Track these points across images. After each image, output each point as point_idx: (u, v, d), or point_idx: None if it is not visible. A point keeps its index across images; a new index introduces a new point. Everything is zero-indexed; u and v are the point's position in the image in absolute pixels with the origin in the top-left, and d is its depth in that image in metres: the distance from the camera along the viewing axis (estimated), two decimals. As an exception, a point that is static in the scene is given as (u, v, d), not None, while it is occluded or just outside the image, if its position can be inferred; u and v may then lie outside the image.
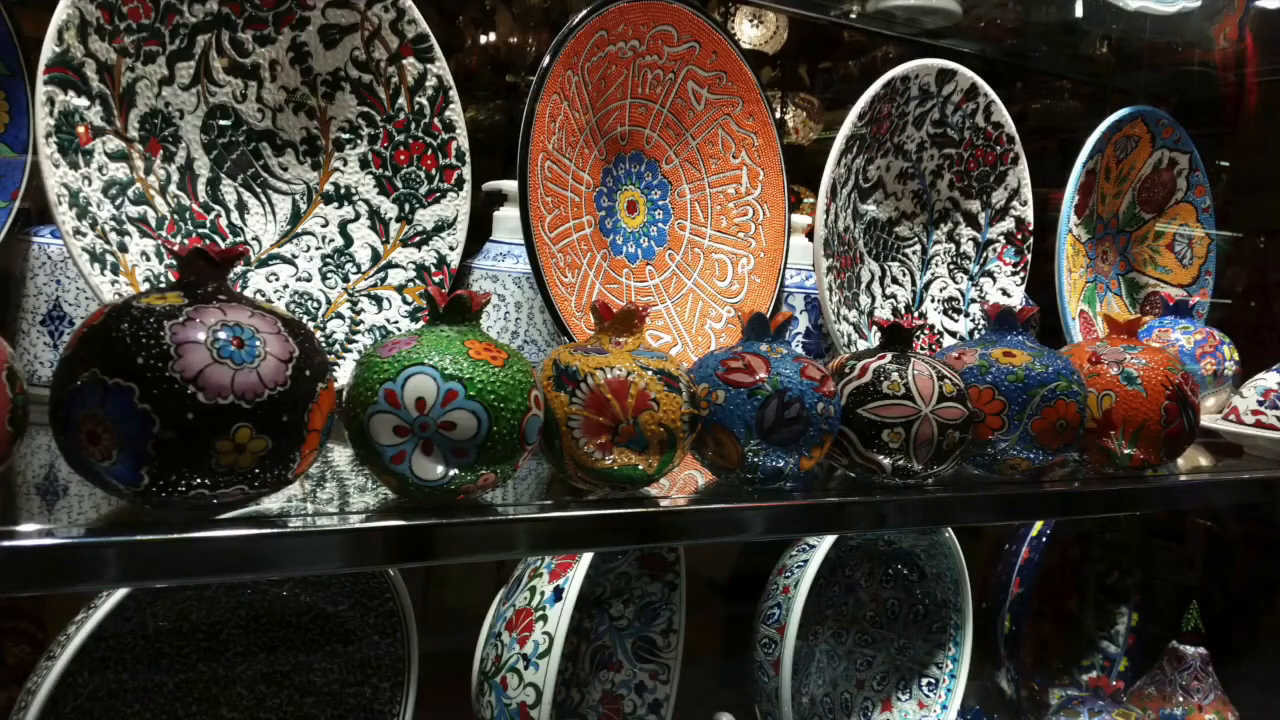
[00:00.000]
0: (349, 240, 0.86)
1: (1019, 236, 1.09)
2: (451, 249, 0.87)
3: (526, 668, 0.82)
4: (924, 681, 1.15)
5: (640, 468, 0.62)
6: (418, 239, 0.87)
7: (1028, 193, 1.08)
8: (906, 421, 0.70)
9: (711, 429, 0.67)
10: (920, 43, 1.32)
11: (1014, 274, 1.09)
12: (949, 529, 1.11)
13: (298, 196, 0.86)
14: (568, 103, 0.86)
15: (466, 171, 0.87)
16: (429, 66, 0.85)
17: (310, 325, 0.81)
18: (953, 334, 1.09)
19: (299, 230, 0.85)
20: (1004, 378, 0.76)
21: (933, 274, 1.09)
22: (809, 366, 0.68)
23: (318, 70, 0.85)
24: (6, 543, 0.46)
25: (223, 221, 0.82)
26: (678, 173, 0.99)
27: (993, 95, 1.04)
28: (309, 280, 0.85)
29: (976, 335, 1.08)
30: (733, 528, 0.68)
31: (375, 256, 0.87)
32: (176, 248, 0.55)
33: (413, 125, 0.86)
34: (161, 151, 0.78)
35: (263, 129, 0.84)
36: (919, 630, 1.16)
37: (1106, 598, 1.44)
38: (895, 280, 1.07)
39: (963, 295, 1.09)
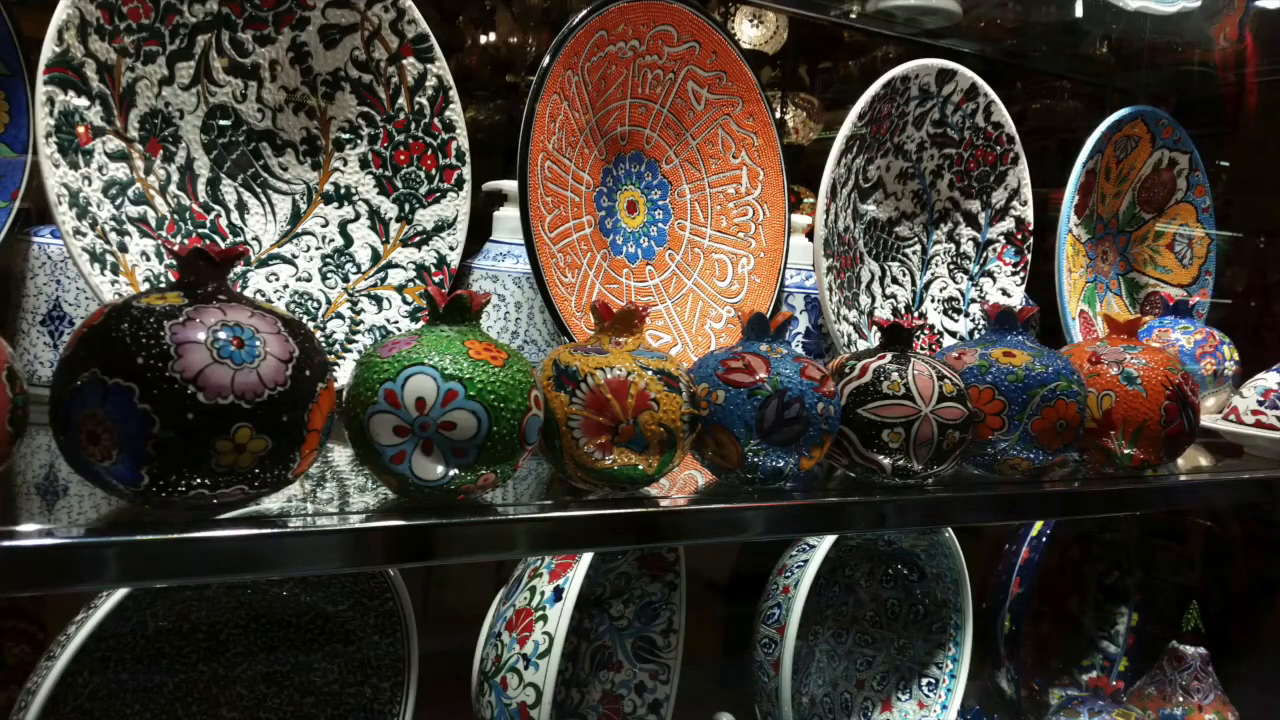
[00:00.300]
0: (349, 240, 0.87)
1: (1019, 236, 1.09)
2: (451, 249, 0.87)
3: (526, 668, 0.82)
4: (924, 681, 1.15)
5: (640, 468, 0.62)
6: (418, 239, 0.87)
7: (1028, 193, 1.08)
8: (906, 421, 0.70)
9: (711, 429, 0.67)
10: (920, 43, 1.32)
11: (1014, 274, 1.09)
12: (949, 529, 1.11)
13: (298, 196, 0.86)
14: (568, 103, 0.86)
15: (466, 171, 0.87)
16: (429, 66, 0.85)
17: (310, 325, 0.81)
18: (953, 334, 1.09)
19: (299, 230, 0.85)
20: (1004, 378, 0.76)
21: (933, 274, 1.09)
22: (809, 366, 0.68)
23: (318, 70, 0.85)
24: (6, 543, 0.46)
25: (223, 221, 0.82)
26: (678, 173, 0.99)
27: (993, 95, 1.04)
28: (309, 280, 0.85)
29: (976, 335, 1.08)
30: (733, 528, 0.68)
31: (375, 256, 0.87)
32: (176, 248, 0.55)
33: (413, 125, 0.86)
34: (161, 151, 0.78)
35: (263, 129, 0.84)
36: (919, 630, 1.16)
37: (1106, 598, 1.44)
38: (895, 280, 1.07)
39: (963, 295, 1.09)
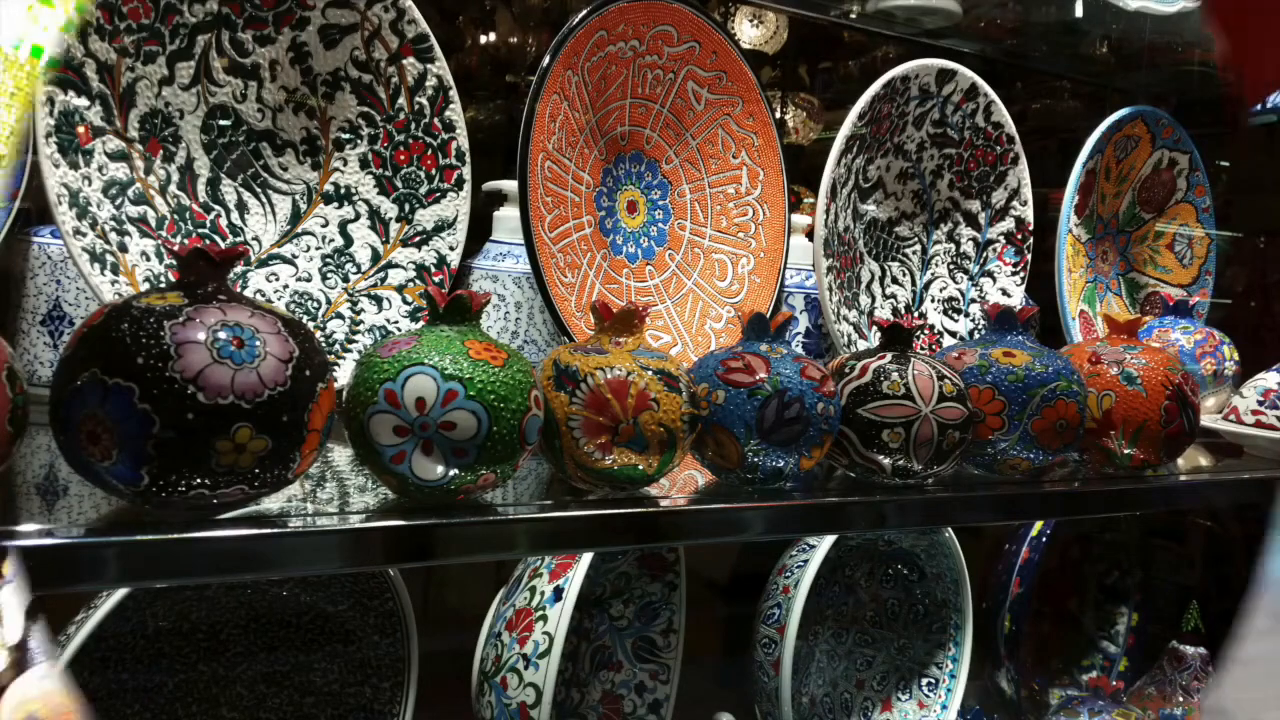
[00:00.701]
0: (349, 240, 0.86)
1: (1019, 236, 1.09)
2: (451, 249, 0.87)
3: (526, 668, 0.82)
4: (924, 681, 1.15)
5: (640, 468, 0.62)
6: (418, 239, 0.87)
7: (1028, 193, 1.08)
8: (906, 421, 0.70)
9: (711, 429, 0.67)
10: (920, 43, 1.32)
11: (1014, 274, 1.09)
12: (949, 529, 1.11)
13: (298, 196, 0.86)
14: (568, 103, 0.86)
15: (466, 171, 0.87)
16: (429, 66, 0.85)
17: (310, 325, 0.81)
18: (953, 334, 1.09)
19: (299, 230, 0.85)
20: (1004, 378, 0.76)
21: (933, 274, 1.09)
22: (809, 366, 0.68)
23: (318, 70, 0.85)
24: (6, 543, 0.46)
25: (223, 221, 0.82)
26: (678, 173, 0.99)
27: (993, 95, 1.04)
28: (309, 280, 0.85)
29: (976, 335, 1.08)
30: (733, 528, 0.68)
31: (375, 256, 0.87)
32: (176, 248, 0.55)
33: (413, 125, 0.86)
34: (161, 151, 0.78)
35: (263, 129, 0.84)
36: (919, 630, 1.16)
37: (1106, 598, 1.44)
38: (895, 280, 1.07)
39: (963, 295, 1.09)
